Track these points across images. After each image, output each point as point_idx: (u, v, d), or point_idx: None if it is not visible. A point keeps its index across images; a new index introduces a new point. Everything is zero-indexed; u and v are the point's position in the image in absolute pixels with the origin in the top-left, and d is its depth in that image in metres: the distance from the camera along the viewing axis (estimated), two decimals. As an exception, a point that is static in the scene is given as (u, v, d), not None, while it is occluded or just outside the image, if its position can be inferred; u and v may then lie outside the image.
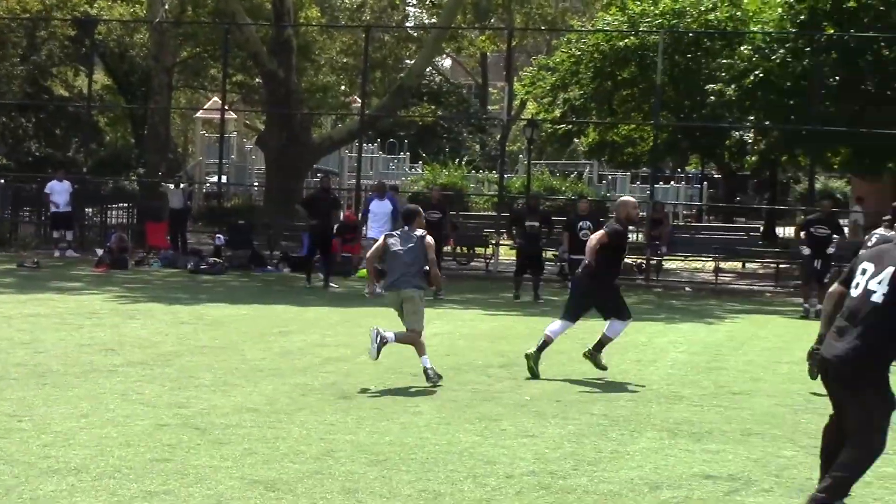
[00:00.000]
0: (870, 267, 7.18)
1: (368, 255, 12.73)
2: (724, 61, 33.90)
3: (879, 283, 7.04)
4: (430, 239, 12.23)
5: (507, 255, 29.12)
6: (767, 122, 31.59)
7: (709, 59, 36.05)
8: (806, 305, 21.43)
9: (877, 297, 7.00)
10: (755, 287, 28.05)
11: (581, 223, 22.24)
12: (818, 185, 59.11)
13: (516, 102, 52.99)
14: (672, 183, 55.95)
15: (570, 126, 39.90)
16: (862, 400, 6.99)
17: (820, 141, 29.66)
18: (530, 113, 47.07)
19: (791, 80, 30.51)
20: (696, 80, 36.11)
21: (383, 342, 11.79)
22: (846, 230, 28.59)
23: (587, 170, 54.04)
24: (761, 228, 39.44)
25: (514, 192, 37.54)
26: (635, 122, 38.97)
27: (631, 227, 14.23)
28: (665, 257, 30.08)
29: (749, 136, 35.71)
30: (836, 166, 40.64)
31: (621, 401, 11.21)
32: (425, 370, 11.83)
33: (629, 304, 13.11)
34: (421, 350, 11.95)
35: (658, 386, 12.20)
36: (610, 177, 55.54)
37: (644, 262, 29.01)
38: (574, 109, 38.97)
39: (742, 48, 32.97)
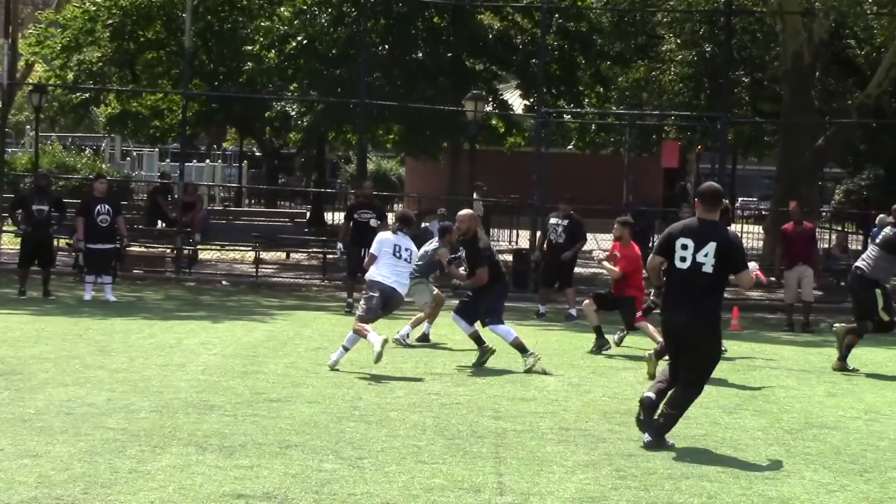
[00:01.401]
0: (689, 242, 10.24)
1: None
2: (263, 24, 34.33)
3: (706, 255, 10.17)
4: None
5: (10, 243, 28.20)
6: (313, 93, 32.23)
7: (246, 21, 36.40)
8: (350, 300, 22.05)
9: (707, 269, 10.19)
10: (301, 280, 28.58)
11: (99, 206, 21.93)
12: (370, 166, 61.08)
13: (21, 64, 51.27)
14: (207, 161, 56.16)
15: (86, 93, 39.12)
16: (702, 357, 10.52)
17: (370, 115, 30.59)
18: (38, 77, 45.68)
19: (337, 47, 31.32)
20: (231, 43, 36.36)
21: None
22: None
23: (106, 144, 53.20)
24: (308, 214, 40.21)
25: (20, 170, 36.42)
26: (162, 91, 38.72)
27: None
28: (199, 246, 30.05)
29: (293, 109, 36.29)
30: (388, 145, 42.12)
31: (143, 412, 11.11)
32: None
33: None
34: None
35: (187, 394, 12.17)
36: (135, 153, 54.99)
37: (174, 251, 28.83)
38: (91, 74, 38.25)
39: (282, 9, 33.54)
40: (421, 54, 32.37)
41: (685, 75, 39.57)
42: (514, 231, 36.47)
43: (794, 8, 30.29)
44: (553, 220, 23.00)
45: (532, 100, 32.95)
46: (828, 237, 35.80)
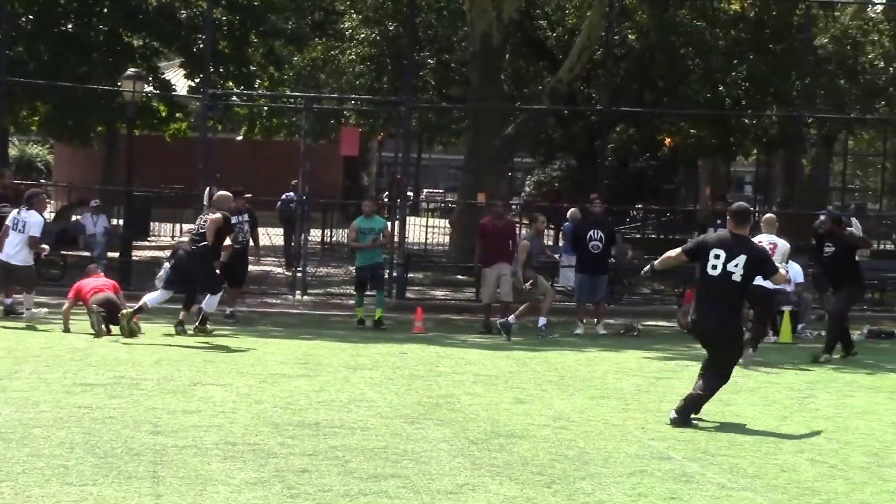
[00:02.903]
0: (721, 253, 12.83)
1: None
2: None
3: (735, 266, 12.80)
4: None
5: None
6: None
7: None
8: (7, 301, 21.30)
9: (736, 278, 12.84)
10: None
11: None
12: (13, 152, 59.52)
13: None
14: None
15: None
16: (727, 353, 13.17)
17: (11, 94, 29.72)
18: None
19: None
20: None
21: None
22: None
23: None
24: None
25: None
26: None
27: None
28: None
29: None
30: (34, 127, 41.14)
31: None
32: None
33: None
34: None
35: None
36: None
37: None
38: None
39: None
40: (71, 26, 31.71)
41: (367, 55, 39.90)
42: (178, 225, 36.14)
43: (482, -16, 30.88)
44: (233, 219, 21.70)
45: (198, 80, 32.63)
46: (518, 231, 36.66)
